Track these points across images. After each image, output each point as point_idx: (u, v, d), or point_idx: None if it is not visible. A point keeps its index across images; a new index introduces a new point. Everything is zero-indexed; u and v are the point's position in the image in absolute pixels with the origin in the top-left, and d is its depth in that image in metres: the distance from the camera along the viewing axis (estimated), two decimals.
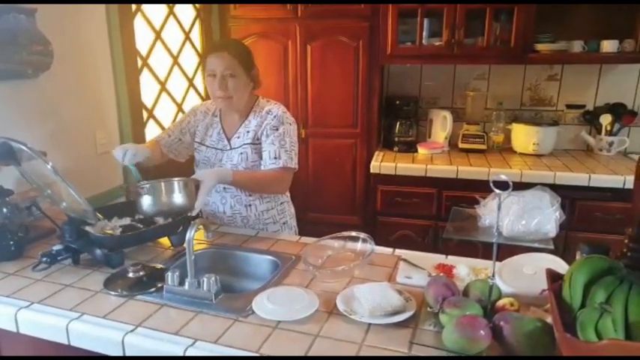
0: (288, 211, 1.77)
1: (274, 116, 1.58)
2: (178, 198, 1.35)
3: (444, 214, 2.44)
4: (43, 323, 1.09)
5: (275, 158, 1.55)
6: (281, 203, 1.72)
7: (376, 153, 2.69)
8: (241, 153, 1.60)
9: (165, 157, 1.72)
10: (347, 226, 1.89)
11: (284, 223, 1.73)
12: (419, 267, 1.28)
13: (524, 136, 2.63)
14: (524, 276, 1.16)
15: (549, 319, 0.97)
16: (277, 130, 1.57)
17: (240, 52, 1.55)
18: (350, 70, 2.62)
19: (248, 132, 1.61)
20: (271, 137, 1.56)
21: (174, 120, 2.58)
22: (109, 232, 1.40)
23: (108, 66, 2.06)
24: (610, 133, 2.62)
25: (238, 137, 1.62)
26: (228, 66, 1.51)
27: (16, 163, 1.32)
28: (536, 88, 2.77)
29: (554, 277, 1.02)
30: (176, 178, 1.36)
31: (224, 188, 1.63)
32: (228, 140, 1.64)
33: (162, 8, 2.44)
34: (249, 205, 1.65)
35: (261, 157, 1.59)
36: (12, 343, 1.22)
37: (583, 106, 2.73)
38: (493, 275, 1.01)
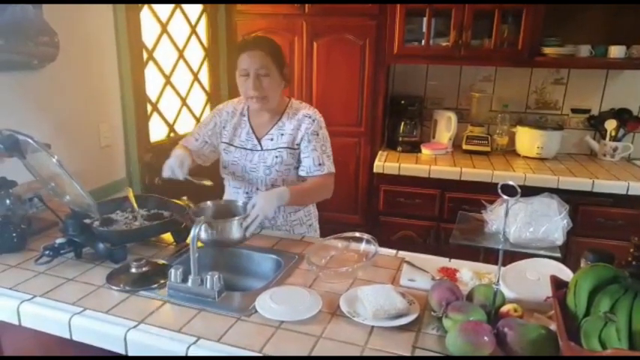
0: (314, 212, 1.74)
1: (313, 120, 1.56)
2: (235, 234, 1.30)
3: (446, 216, 2.44)
4: (46, 317, 1.08)
5: (319, 165, 1.54)
6: (306, 205, 1.70)
7: (380, 152, 2.68)
8: (276, 156, 1.56)
9: (195, 162, 1.65)
10: (348, 224, 1.89)
11: (310, 225, 1.71)
12: (422, 270, 1.28)
13: (528, 140, 2.62)
14: (528, 282, 1.16)
15: (553, 326, 0.97)
16: (317, 135, 1.55)
17: (274, 50, 1.51)
18: (355, 68, 2.61)
19: (282, 135, 1.56)
20: (313, 143, 1.54)
21: (177, 114, 2.57)
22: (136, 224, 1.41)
23: (113, 58, 2.05)
24: (614, 139, 2.61)
25: (271, 139, 1.58)
26: (262, 65, 1.47)
27: (20, 156, 1.31)
28: (541, 92, 2.76)
29: (558, 284, 1.02)
30: (237, 218, 1.29)
31: (257, 189, 1.59)
32: (259, 140, 1.59)
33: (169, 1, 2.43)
34: (278, 208, 1.58)
35: (296, 161, 1.57)
36: (14, 336, 1.22)
37: (588, 111, 2.72)
38: (498, 281, 1.01)
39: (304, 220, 1.69)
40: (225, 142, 1.64)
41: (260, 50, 1.47)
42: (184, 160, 1.49)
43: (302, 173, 1.57)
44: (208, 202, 1.37)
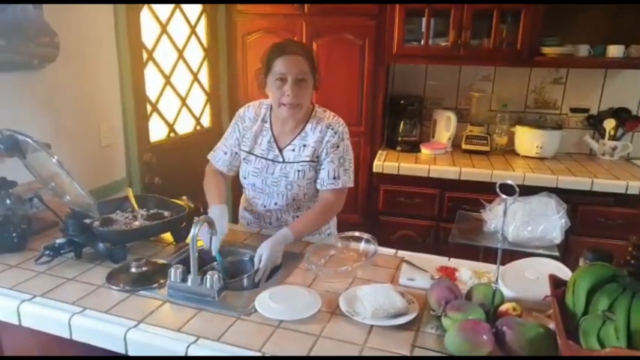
0: (333, 222, 1.70)
1: (335, 132, 1.50)
2: (247, 285, 1.27)
3: (446, 215, 2.44)
4: (46, 317, 1.09)
5: (334, 178, 1.49)
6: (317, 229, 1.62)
7: (379, 152, 2.68)
8: (298, 170, 1.50)
9: (230, 178, 1.63)
10: (348, 224, 1.89)
11: (329, 234, 1.66)
12: (421, 269, 1.28)
13: (527, 139, 2.62)
14: (527, 281, 1.16)
15: (552, 325, 0.97)
16: (338, 147, 1.49)
17: (311, 56, 1.45)
18: (355, 68, 2.61)
19: (305, 146, 1.50)
20: (331, 156, 1.49)
21: (177, 114, 2.57)
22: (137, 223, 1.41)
23: (113, 59, 2.05)
24: (613, 138, 2.62)
25: (293, 150, 1.51)
26: (301, 70, 1.40)
27: (21, 156, 1.32)
28: (540, 91, 2.76)
29: (556, 283, 1.02)
30: (246, 275, 1.26)
31: (275, 203, 1.56)
32: (280, 151, 1.53)
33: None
34: (296, 216, 1.59)
35: (317, 172, 1.52)
36: (13, 336, 1.22)
37: (587, 110, 2.73)
38: (497, 280, 1.01)
39: (323, 229, 1.63)
40: (245, 151, 1.57)
41: (300, 55, 1.41)
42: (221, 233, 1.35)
43: (317, 186, 1.53)
44: (214, 264, 1.33)
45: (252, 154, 1.56)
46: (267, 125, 1.55)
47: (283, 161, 1.53)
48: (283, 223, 1.59)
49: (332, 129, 1.50)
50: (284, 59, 1.40)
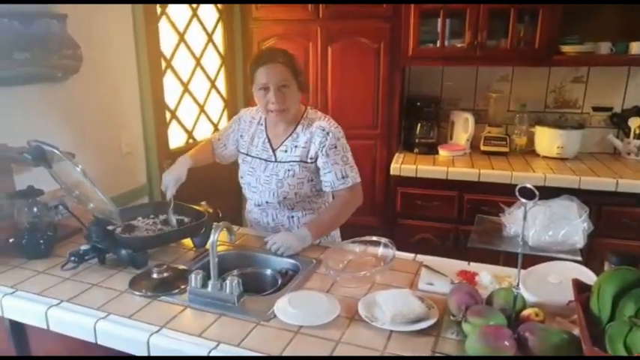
0: None
1: (327, 133, 1.52)
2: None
3: (465, 218, 2.41)
4: (72, 322, 1.12)
5: (343, 178, 1.53)
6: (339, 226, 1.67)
7: (396, 155, 2.67)
8: (288, 169, 1.55)
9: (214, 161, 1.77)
10: (366, 228, 1.88)
11: (327, 236, 1.66)
12: (441, 273, 1.27)
13: (547, 139, 2.57)
14: (550, 285, 1.14)
15: (576, 331, 0.95)
16: (336, 148, 1.52)
17: (290, 61, 1.49)
18: (371, 71, 2.61)
19: (296, 147, 1.55)
20: (332, 157, 1.52)
21: (196, 121, 2.62)
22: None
23: (133, 68, 2.10)
24: (639, 137, 2.54)
25: (285, 151, 1.57)
26: (282, 77, 1.45)
27: (47, 165, 1.36)
28: (560, 90, 2.71)
29: (580, 287, 1.00)
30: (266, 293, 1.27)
31: (267, 202, 1.60)
32: (274, 151, 1.59)
33: (186, 10, 2.48)
34: (292, 217, 1.63)
35: (311, 173, 1.55)
36: (42, 340, 1.26)
37: (610, 109, 2.66)
38: (518, 285, 0.99)
39: None
40: (242, 152, 1.67)
41: (278, 63, 1.46)
42: (180, 178, 1.59)
43: (327, 189, 1.56)
44: (234, 271, 1.38)
45: (249, 155, 1.65)
46: (262, 127, 1.63)
47: (275, 160, 1.58)
48: (279, 223, 1.64)
49: (323, 130, 1.53)
50: (264, 69, 1.46)
